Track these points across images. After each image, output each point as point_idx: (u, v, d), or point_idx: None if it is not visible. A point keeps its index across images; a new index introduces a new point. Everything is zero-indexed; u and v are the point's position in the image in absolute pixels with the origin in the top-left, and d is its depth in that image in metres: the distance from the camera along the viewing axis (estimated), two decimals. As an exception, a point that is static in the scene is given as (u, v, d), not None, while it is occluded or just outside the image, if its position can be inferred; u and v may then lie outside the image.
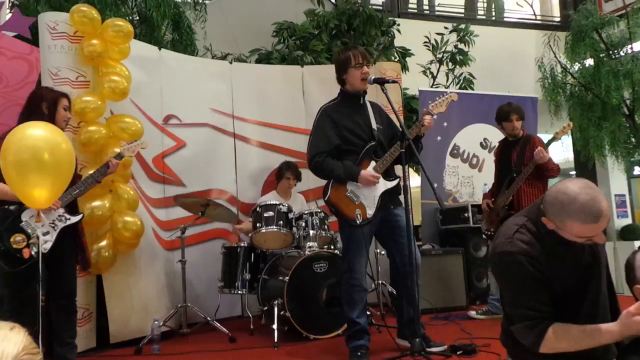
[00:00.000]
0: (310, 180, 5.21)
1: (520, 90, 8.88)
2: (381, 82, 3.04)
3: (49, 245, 2.74)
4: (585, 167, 9.58)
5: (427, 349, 2.94)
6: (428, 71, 7.24)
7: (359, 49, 3.17)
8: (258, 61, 6.44)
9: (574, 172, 10.15)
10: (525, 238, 1.85)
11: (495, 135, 4.77)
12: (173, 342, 3.89)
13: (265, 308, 3.94)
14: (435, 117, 3.19)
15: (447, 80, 7.23)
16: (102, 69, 3.91)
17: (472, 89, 7.16)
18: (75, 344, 3.08)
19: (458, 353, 3.00)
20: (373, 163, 3.05)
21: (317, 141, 3.09)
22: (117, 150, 3.76)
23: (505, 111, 4.17)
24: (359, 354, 2.96)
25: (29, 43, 4.37)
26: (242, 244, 4.26)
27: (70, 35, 3.84)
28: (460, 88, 7.17)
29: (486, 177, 5.57)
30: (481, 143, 5.83)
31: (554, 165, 3.97)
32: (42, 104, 2.93)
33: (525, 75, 8.69)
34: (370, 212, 3.01)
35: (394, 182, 3.10)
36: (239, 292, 4.18)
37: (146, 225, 4.12)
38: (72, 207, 3.00)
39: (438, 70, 7.21)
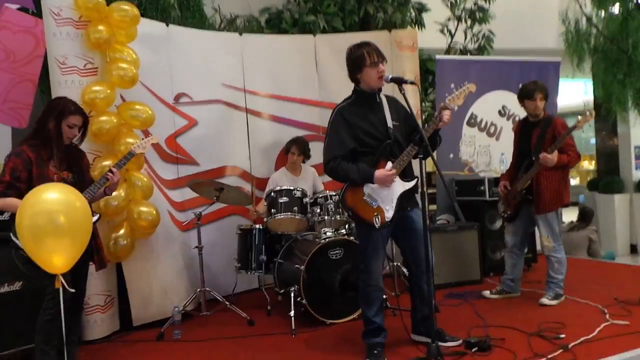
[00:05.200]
0: (324, 152, 5.18)
1: (542, 44, 8.64)
2: (399, 81, 2.92)
3: None
4: (606, 120, 9.38)
5: (442, 343, 3.00)
6: (445, 29, 6.97)
7: (372, 45, 3.02)
8: (268, 21, 6.24)
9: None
10: None
11: (514, 103, 4.62)
12: (193, 325, 4.00)
13: (282, 291, 4.02)
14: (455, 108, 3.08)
15: (465, 39, 6.96)
16: (109, 53, 3.82)
17: (492, 47, 6.91)
18: (79, 339, 3.20)
19: (473, 350, 3.04)
20: (389, 164, 2.98)
21: (332, 145, 3.02)
22: (130, 140, 3.76)
23: (530, 89, 4.02)
24: (375, 352, 3.02)
25: (33, 15, 4.24)
26: (257, 226, 4.28)
27: (75, 21, 3.73)
28: (479, 47, 6.92)
29: (503, 146, 5.48)
30: (499, 111, 5.68)
31: (570, 158, 3.86)
32: (49, 122, 2.89)
33: (548, 29, 8.33)
34: (388, 215, 2.98)
35: (412, 183, 3.04)
36: (255, 273, 4.26)
37: (162, 208, 4.16)
38: None
39: (456, 29, 6.94)
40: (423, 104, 6.83)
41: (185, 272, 4.35)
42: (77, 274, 2.91)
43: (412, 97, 5.13)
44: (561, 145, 3.84)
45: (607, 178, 9.26)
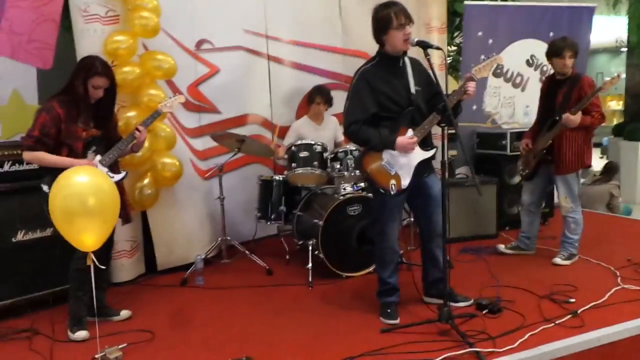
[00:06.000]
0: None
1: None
2: (424, 46, 2.85)
3: None
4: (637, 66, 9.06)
5: (453, 304, 3.12)
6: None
7: (399, 5, 2.92)
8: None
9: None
10: None
11: (543, 51, 4.47)
12: (214, 272, 4.17)
13: (301, 242, 4.14)
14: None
15: (498, -21, 6.63)
16: (131, 0, 3.75)
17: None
18: (106, 286, 3.40)
19: (484, 312, 3.15)
20: (410, 131, 2.97)
21: (354, 108, 2.99)
22: (153, 91, 3.77)
23: (559, 47, 3.89)
24: (389, 310, 3.14)
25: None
26: (277, 177, 4.35)
27: (96, -33, 3.64)
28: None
29: (529, 97, 5.36)
30: (527, 60, 5.51)
31: (593, 119, 3.80)
32: (76, 80, 2.91)
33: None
34: (405, 182, 3.00)
35: (431, 152, 3.04)
36: (275, 223, 4.37)
37: (184, 157, 4.24)
38: (114, 167, 3.11)
39: (488, -33, 6.59)
40: (449, 47, 6.66)
41: (207, 220, 4.48)
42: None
43: (440, 43, 5.05)
44: (586, 106, 3.77)
45: (633, 125, 9.06)
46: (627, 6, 7.80)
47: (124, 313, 3.33)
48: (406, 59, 3.05)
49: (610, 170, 6.25)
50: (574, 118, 3.74)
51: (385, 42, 2.98)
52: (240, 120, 4.79)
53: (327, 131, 4.73)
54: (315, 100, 4.61)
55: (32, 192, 3.14)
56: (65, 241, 2.49)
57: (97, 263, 2.48)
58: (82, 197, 2.26)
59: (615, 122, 12.79)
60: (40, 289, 3.48)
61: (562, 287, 3.51)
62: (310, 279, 3.80)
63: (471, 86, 2.91)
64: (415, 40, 2.89)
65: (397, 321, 3.08)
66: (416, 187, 3.08)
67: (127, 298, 3.68)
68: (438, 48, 2.88)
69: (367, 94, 2.97)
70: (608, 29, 9.05)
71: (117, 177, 3.08)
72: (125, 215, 3.20)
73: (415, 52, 3.12)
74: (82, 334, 3.03)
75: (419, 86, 3.03)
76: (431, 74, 3.01)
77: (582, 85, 3.84)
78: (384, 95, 2.96)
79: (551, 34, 5.41)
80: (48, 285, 3.49)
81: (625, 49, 9.73)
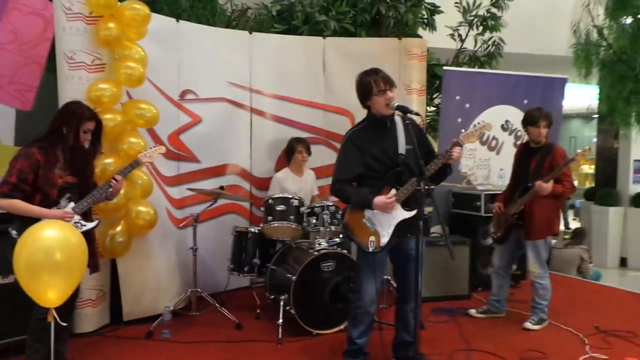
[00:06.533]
0: (325, 156, 5.22)
1: (551, 51, 8.61)
2: (404, 111, 2.93)
3: None
4: (608, 131, 9.40)
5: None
6: (456, 33, 6.93)
7: (380, 72, 3.03)
8: (279, 13, 6.18)
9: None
10: None
11: (518, 118, 4.63)
12: (182, 324, 4.06)
13: (273, 297, 4.09)
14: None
15: (475, 45, 6.92)
16: (118, 51, 3.81)
17: (501, 55, 6.88)
18: (67, 337, 3.25)
19: (452, 378, 3.13)
20: (393, 191, 3.02)
21: (340, 168, 3.10)
22: (133, 140, 3.79)
23: (534, 116, 4.04)
24: None
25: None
26: (252, 229, 4.34)
27: (86, 16, 3.72)
28: (488, 54, 6.89)
29: (503, 160, 5.49)
30: (502, 125, 5.68)
31: (564, 189, 3.92)
32: (63, 127, 2.91)
33: (558, 37, 8.31)
34: (384, 240, 3.03)
35: (412, 212, 3.07)
36: (247, 276, 4.33)
37: (159, 205, 4.21)
38: (87, 215, 3.07)
39: (467, 34, 6.89)
40: (428, 107, 6.83)
41: (179, 269, 4.42)
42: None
43: (417, 105, 5.23)
44: (558, 175, 3.89)
45: (604, 190, 9.31)
46: (597, 78, 8.15)
47: (84, 367, 3.21)
48: (397, 119, 3.12)
49: (578, 235, 6.39)
50: (546, 186, 3.85)
51: (370, 107, 3.08)
52: (219, 170, 4.81)
53: (307, 184, 4.78)
54: (297, 149, 4.67)
55: (1, 236, 3.06)
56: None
57: (58, 320, 2.41)
58: (49, 251, 2.22)
59: (587, 185, 13.11)
60: (3, 336, 3.35)
61: (532, 354, 3.53)
62: (279, 336, 3.73)
63: (456, 151, 2.99)
64: (396, 104, 2.98)
65: None
66: (398, 247, 3.11)
67: (89, 350, 3.57)
68: (417, 114, 2.96)
69: (353, 155, 3.06)
70: (581, 95, 9.44)
71: (89, 225, 3.03)
72: (93, 264, 3.13)
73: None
74: None
75: (410, 144, 3.05)
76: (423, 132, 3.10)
77: (555, 155, 3.97)
78: (371, 155, 3.04)
79: (525, 101, 5.62)
80: (9, 333, 3.36)
81: (596, 116, 10.12)
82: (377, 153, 3.05)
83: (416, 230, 3.09)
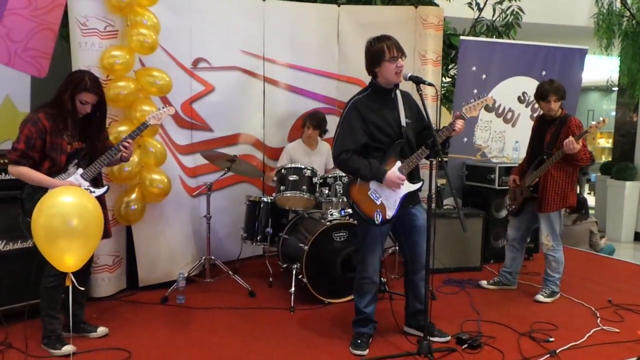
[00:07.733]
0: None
1: (572, 21, 8.38)
2: (417, 81, 2.89)
3: None
4: (627, 105, 9.21)
5: (432, 338, 3.10)
6: (474, 2, 6.76)
7: (392, 39, 2.97)
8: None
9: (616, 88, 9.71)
10: None
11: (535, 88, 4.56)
12: (196, 290, 4.13)
13: (285, 265, 4.13)
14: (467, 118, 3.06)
15: (494, 14, 6.76)
16: (130, 17, 3.78)
17: (519, 25, 6.72)
18: (86, 297, 3.34)
19: (463, 347, 3.15)
20: (399, 163, 3.00)
21: (344, 137, 3.01)
22: (146, 107, 3.78)
23: (544, 90, 3.95)
24: (359, 341, 3.13)
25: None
26: (265, 199, 4.35)
27: (98, -18, 3.67)
28: (506, 24, 6.73)
29: (519, 133, 5.43)
30: (519, 97, 5.58)
31: (585, 155, 3.84)
32: (65, 94, 2.91)
33: (579, 7, 8.07)
34: (390, 213, 3.02)
35: (417, 185, 3.06)
36: (260, 244, 4.36)
37: (173, 173, 4.23)
38: (96, 181, 3.10)
39: (485, 3, 6.72)
40: (444, 78, 6.73)
41: (193, 237, 4.46)
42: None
43: (433, 76, 5.14)
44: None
45: (621, 164, 9.18)
46: (619, 49, 7.95)
47: (101, 330, 3.28)
48: (397, 92, 3.10)
49: (581, 207, 6.27)
50: (576, 145, 3.75)
51: (377, 74, 3.02)
52: (232, 139, 4.81)
53: (319, 156, 4.75)
54: (305, 124, 4.65)
55: (14, 202, 3.08)
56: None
57: (76, 284, 2.45)
58: (66, 217, 2.25)
59: (604, 159, 12.94)
60: (17, 300, 3.42)
61: (543, 325, 3.53)
62: (292, 304, 3.78)
63: (459, 124, 2.96)
64: (409, 75, 2.94)
65: (366, 353, 3.07)
66: (401, 218, 3.10)
67: (106, 314, 3.64)
68: (430, 84, 2.92)
69: (358, 124, 2.99)
70: (600, 68, 9.22)
71: (98, 191, 3.06)
72: (105, 230, 3.17)
73: (408, 86, 3.17)
74: (68, 348, 2.99)
75: (409, 119, 3.08)
76: (422, 108, 3.04)
77: (570, 126, 3.89)
78: (375, 125, 2.99)
79: (544, 72, 5.50)
80: (24, 297, 3.42)
81: (616, 89, 9.90)
82: (381, 123, 3.00)
83: (417, 200, 3.10)
